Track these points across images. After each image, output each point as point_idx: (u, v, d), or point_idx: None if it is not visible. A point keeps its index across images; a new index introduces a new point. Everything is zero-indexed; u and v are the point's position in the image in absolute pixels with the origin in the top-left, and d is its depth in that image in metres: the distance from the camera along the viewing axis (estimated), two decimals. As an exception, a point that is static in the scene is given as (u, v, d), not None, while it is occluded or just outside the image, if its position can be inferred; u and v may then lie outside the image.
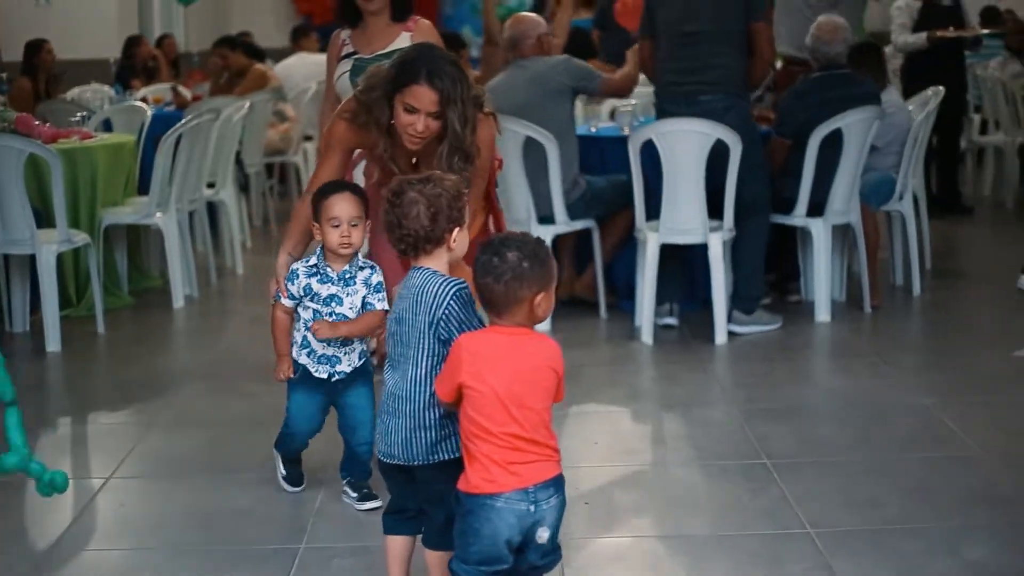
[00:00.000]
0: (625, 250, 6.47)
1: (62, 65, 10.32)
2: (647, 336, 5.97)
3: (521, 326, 2.84)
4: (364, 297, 3.82)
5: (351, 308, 3.81)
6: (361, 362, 3.94)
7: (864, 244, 6.47)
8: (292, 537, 3.78)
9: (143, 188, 7.23)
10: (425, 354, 2.97)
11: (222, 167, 7.91)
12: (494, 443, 2.78)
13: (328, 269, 3.81)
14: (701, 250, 6.03)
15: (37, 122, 6.76)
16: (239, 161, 8.72)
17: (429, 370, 2.97)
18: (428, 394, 2.97)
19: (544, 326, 5.60)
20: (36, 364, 5.89)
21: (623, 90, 6.62)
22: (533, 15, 6.66)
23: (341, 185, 3.86)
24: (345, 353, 3.89)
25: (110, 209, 6.90)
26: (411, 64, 3.68)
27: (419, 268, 3.03)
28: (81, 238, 6.33)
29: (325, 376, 3.91)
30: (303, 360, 3.90)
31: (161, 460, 4.57)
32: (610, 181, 6.40)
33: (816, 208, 6.25)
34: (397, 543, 3.19)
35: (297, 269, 3.84)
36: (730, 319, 6.06)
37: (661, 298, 6.09)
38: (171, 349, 6.39)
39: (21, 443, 3.77)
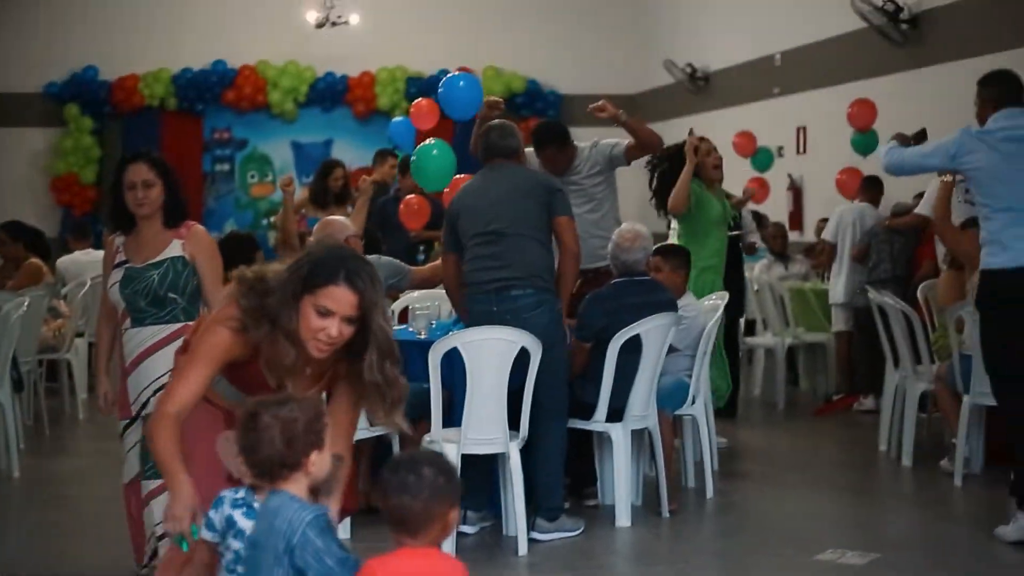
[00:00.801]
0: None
1: None
2: (447, 545, 5.84)
3: (431, 545, 2.76)
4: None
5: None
6: None
7: (661, 448, 6.56)
8: None
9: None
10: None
11: (-1, 367, 7.57)
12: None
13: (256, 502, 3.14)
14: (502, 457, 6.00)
15: None
16: (14, 359, 8.35)
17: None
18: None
19: (343, 532, 5.45)
20: None
21: (432, 280, 6.88)
22: (341, 219, 6.78)
23: None
24: None
25: None
26: (325, 263, 3.39)
27: (277, 492, 2.93)
28: None
29: None
30: None
31: None
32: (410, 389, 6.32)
33: (615, 413, 6.33)
34: None
35: (223, 497, 3.18)
36: (532, 527, 6.03)
37: (462, 506, 5.99)
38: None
39: None
